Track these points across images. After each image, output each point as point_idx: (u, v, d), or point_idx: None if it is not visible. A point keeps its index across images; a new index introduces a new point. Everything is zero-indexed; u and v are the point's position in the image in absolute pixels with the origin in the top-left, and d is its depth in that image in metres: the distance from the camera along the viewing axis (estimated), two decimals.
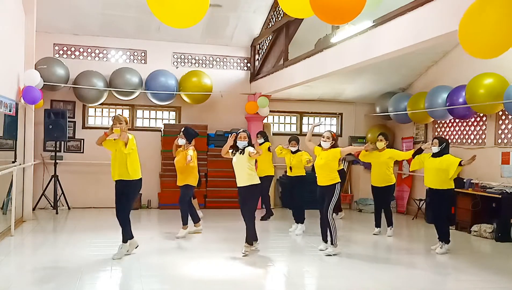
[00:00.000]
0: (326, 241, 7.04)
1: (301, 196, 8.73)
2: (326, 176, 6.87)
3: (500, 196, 8.28)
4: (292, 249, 7.44)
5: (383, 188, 8.57)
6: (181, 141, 8.09)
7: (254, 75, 12.00)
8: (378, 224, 8.73)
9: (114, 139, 6.38)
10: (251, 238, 6.89)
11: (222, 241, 7.75)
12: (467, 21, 3.69)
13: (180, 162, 7.93)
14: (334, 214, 8.36)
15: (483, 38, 3.59)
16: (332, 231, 6.88)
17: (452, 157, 7.24)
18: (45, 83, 9.86)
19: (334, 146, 6.92)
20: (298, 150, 8.72)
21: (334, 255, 6.86)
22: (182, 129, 8.18)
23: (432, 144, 7.33)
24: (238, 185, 6.85)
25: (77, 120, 11.25)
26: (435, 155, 7.29)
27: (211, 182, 11.36)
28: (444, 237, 7.30)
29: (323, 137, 6.94)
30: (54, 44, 11.02)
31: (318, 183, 6.99)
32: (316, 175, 7.01)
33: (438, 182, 7.22)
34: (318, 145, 7.08)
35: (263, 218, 9.79)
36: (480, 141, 9.55)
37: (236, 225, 9.17)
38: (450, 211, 7.69)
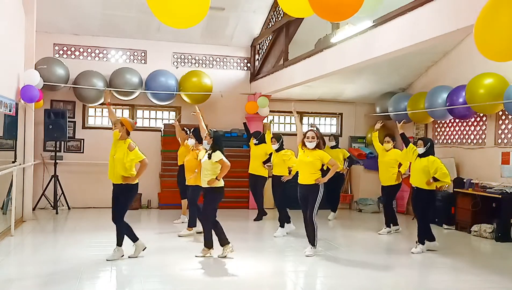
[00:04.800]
0: (314, 241, 6.86)
1: (283, 197, 8.43)
2: (310, 175, 6.67)
3: (500, 196, 8.28)
4: (292, 249, 7.43)
5: (387, 187, 8.64)
6: (191, 141, 8.08)
7: (254, 75, 12.00)
8: (387, 224, 8.73)
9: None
10: (205, 240, 6.63)
11: None
12: (482, 22, 3.47)
13: (191, 161, 7.84)
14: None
15: (499, 40, 3.33)
16: (315, 233, 6.78)
17: (437, 163, 7.08)
18: (45, 83, 9.85)
19: (318, 144, 6.71)
20: (281, 148, 8.46)
21: (312, 256, 6.75)
22: (192, 130, 8.13)
23: (417, 145, 7.31)
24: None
25: (77, 120, 11.25)
26: (421, 155, 7.24)
27: None
28: (420, 238, 7.26)
29: (307, 138, 6.68)
30: (54, 44, 11.02)
31: (300, 182, 6.79)
32: (299, 173, 6.85)
33: (423, 182, 7.13)
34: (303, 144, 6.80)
35: (255, 219, 9.78)
36: (480, 141, 9.55)
37: (235, 225, 9.17)
38: (431, 212, 7.59)
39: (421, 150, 7.21)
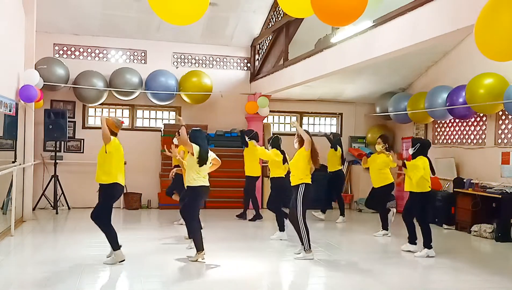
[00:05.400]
0: (302, 243, 6.71)
1: (278, 199, 8.12)
2: (295, 176, 6.70)
3: (500, 196, 8.28)
4: (292, 249, 7.42)
5: (379, 189, 8.57)
6: None
7: (254, 75, 12.00)
8: (385, 227, 8.63)
9: None
10: (196, 244, 6.39)
11: (221, 241, 7.75)
12: (482, 22, 3.47)
13: None
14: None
15: (500, 40, 3.33)
16: (302, 235, 6.60)
17: (417, 165, 6.88)
18: (45, 83, 9.85)
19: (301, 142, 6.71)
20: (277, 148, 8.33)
21: (305, 259, 6.60)
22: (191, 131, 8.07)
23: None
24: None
25: (77, 120, 11.25)
26: (414, 158, 7.08)
27: (210, 182, 11.28)
28: (426, 242, 7.03)
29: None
30: (54, 44, 11.02)
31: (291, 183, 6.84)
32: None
33: (413, 185, 6.96)
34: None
35: (250, 219, 9.79)
36: (480, 141, 9.55)
37: (234, 224, 9.18)
38: (430, 212, 7.48)
39: (411, 151, 7.15)
